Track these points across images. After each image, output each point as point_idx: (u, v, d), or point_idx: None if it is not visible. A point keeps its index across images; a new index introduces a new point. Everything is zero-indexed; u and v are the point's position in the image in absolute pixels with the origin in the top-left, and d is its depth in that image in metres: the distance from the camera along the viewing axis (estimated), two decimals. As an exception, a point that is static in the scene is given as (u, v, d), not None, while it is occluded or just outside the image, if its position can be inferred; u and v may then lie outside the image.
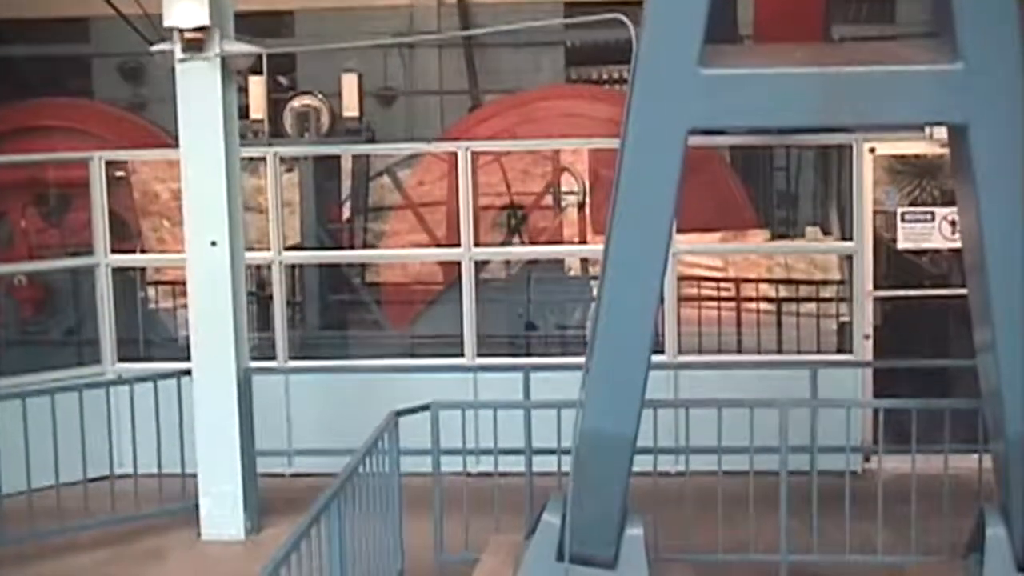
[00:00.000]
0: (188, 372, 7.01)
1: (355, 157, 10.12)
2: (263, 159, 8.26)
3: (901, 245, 7.93)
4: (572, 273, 10.36)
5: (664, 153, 4.75)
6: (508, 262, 9.63)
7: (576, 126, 9.20)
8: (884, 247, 7.97)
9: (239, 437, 6.90)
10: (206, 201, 6.77)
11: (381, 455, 5.54)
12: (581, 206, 10.25)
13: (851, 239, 7.90)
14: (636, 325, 4.82)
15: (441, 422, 5.88)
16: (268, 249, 8.18)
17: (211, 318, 6.81)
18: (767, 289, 10.17)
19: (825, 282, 9.77)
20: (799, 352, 8.94)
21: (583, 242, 9.73)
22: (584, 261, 9.92)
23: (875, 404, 6.92)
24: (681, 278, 8.43)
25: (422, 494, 6.08)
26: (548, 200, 10.31)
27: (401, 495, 5.85)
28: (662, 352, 7.77)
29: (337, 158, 10.13)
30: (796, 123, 6.14)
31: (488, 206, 9.78)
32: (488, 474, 6.31)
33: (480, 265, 8.55)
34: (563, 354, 8.75)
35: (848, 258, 8.09)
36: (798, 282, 10.11)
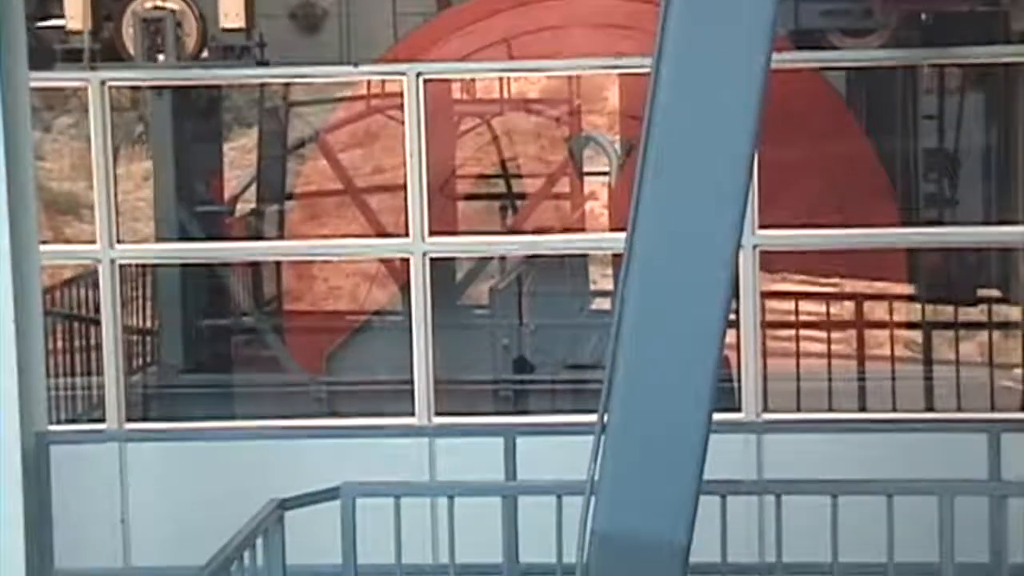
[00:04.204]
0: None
1: (264, 116, 10.39)
2: (82, 91, 8.17)
3: None
4: (596, 286, 10.71)
5: (734, 72, 4.72)
6: (501, 272, 9.94)
7: (610, 40, 9.19)
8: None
9: (23, 547, 6.54)
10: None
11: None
12: (612, 189, 10.65)
13: None
14: (686, 358, 4.74)
15: (364, 518, 5.67)
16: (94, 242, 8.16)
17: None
18: (906, 311, 10.32)
19: (1003, 300, 9.94)
20: (960, 409, 9.09)
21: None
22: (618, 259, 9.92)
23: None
24: (767, 294, 8.52)
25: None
26: (564, 185, 10.90)
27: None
28: (735, 408, 7.84)
29: (216, 99, 10.25)
30: None
31: (473, 195, 10.35)
32: None
33: (450, 275, 8.87)
34: (574, 410, 8.59)
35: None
36: (957, 302, 10.21)
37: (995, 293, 10.03)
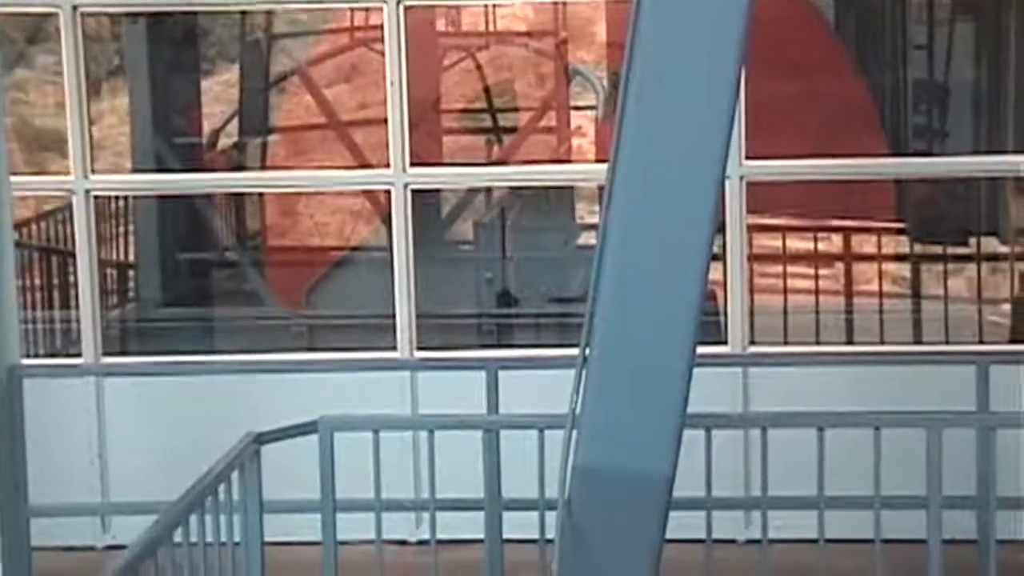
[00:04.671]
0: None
1: (246, 50, 10.44)
2: (53, 17, 8.04)
3: None
4: (583, 220, 10.67)
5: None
6: (487, 206, 9.96)
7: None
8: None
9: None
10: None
11: (225, 512, 5.23)
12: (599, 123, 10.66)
13: None
14: (669, 289, 4.67)
15: (345, 452, 5.67)
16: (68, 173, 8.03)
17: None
18: (895, 243, 10.29)
19: (990, 232, 9.99)
20: (948, 342, 9.10)
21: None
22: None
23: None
24: (754, 228, 8.47)
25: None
26: (551, 119, 10.95)
27: (264, 584, 5.58)
28: (721, 341, 7.76)
29: (195, 30, 10.23)
30: None
31: (458, 129, 10.46)
32: (423, 542, 6.30)
33: (432, 208, 8.80)
34: (559, 344, 8.46)
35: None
36: (945, 237, 10.24)
37: (984, 227, 10.01)
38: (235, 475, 5.33)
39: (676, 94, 4.63)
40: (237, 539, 5.36)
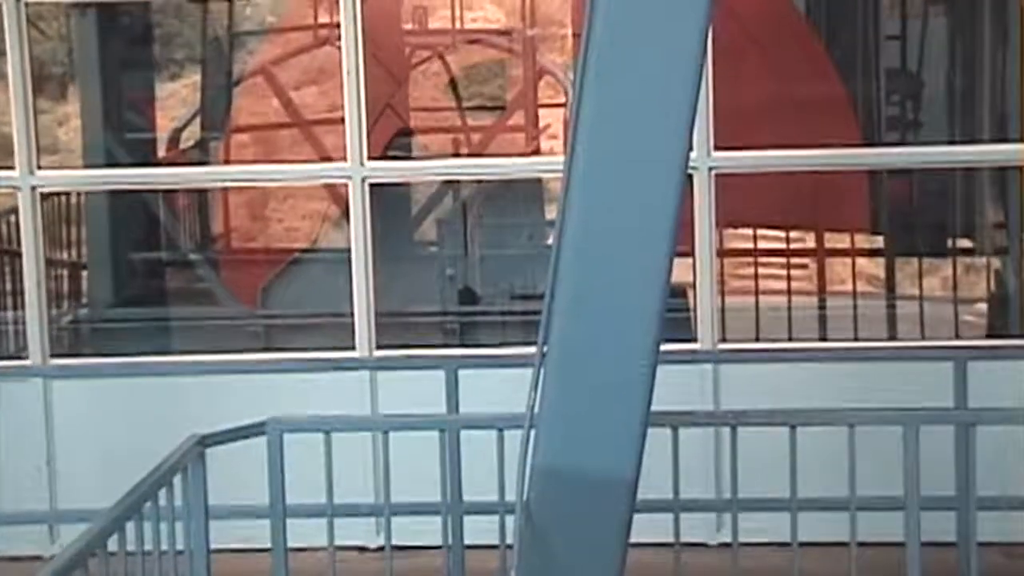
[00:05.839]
0: None
1: (208, 47, 10.67)
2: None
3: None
4: (552, 216, 10.74)
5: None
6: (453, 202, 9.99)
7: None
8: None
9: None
10: None
11: (166, 518, 5.17)
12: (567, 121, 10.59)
13: (1021, 141, 7.77)
14: (632, 281, 4.68)
15: (302, 456, 5.59)
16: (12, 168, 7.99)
17: None
18: (869, 233, 10.35)
19: (966, 227, 10.05)
20: (925, 337, 9.20)
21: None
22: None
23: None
24: (724, 223, 8.52)
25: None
26: (519, 118, 11.01)
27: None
28: (690, 338, 7.76)
29: (150, 24, 10.36)
30: None
31: (429, 127, 10.44)
32: (383, 548, 6.07)
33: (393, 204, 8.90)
34: (524, 342, 8.33)
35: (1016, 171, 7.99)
36: (920, 233, 10.32)
37: (960, 223, 10.07)
38: (177, 479, 5.27)
39: (635, 82, 4.61)
40: (181, 547, 5.29)
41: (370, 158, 7.83)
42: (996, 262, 9.34)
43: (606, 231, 4.68)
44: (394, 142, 10.20)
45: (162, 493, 5.12)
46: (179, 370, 7.72)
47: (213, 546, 5.55)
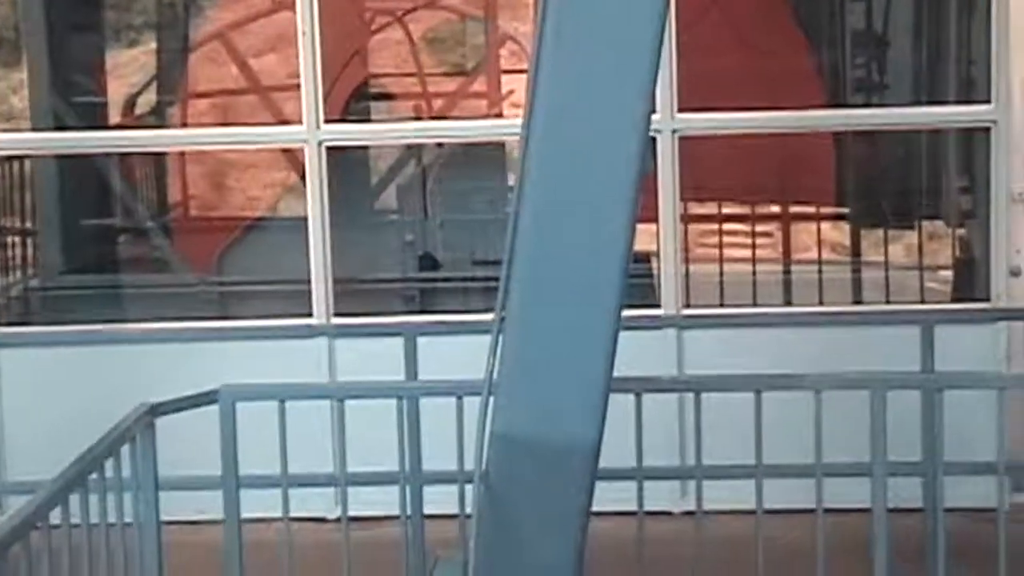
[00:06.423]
0: None
1: (164, 13, 10.69)
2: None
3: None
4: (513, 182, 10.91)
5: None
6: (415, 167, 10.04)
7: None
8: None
9: None
10: None
11: (114, 489, 5.06)
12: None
13: (987, 102, 7.74)
14: (592, 244, 4.67)
15: (248, 425, 5.48)
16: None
17: None
18: (835, 200, 10.40)
19: (934, 187, 10.08)
20: (889, 301, 9.22)
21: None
22: None
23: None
24: (689, 188, 8.46)
25: (207, 561, 5.81)
26: (481, 84, 11.11)
27: (162, 564, 5.41)
28: (654, 304, 7.75)
29: None
30: None
31: (390, 93, 10.62)
32: (335, 519, 6.33)
33: (352, 168, 8.98)
34: (486, 309, 8.36)
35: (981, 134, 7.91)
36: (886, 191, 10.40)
37: (925, 185, 10.14)
38: (126, 449, 5.17)
39: (595, 42, 4.58)
40: (130, 520, 5.21)
41: (327, 121, 7.79)
42: (961, 227, 9.38)
43: (566, 194, 4.66)
44: (352, 107, 10.21)
45: (109, 464, 5.02)
46: (132, 338, 7.66)
47: (166, 518, 5.49)
